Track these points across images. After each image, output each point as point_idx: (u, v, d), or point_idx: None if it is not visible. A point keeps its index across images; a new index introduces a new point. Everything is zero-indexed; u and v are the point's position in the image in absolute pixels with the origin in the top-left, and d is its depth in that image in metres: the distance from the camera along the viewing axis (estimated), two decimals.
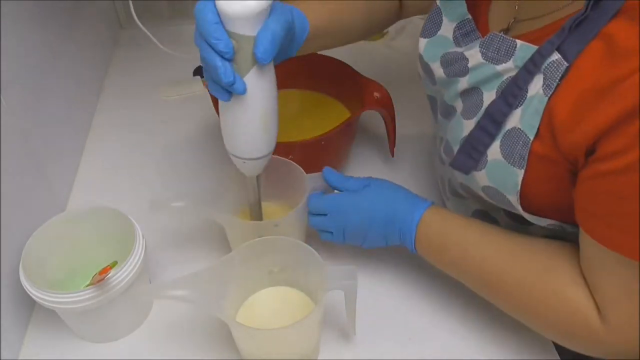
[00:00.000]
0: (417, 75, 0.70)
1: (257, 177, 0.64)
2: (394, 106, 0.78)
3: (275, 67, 0.56)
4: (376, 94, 0.77)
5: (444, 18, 0.63)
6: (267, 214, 0.70)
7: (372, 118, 0.90)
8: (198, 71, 1.04)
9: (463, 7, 0.61)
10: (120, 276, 0.58)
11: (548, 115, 0.50)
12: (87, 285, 0.57)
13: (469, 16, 0.61)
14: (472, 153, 0.57)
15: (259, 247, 0.60)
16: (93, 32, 1.03)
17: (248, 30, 0.51)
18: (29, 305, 0.67)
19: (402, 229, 0.62)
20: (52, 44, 0.82)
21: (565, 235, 0.59)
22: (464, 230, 0.60)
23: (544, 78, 0.50)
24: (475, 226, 0.61)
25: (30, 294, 0.58)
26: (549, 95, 0.49)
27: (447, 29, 0.63)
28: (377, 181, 0.65)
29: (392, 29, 1.16)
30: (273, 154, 0.63)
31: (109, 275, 0.57)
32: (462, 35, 0.61)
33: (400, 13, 0.77)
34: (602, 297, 0.51)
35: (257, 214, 0.67)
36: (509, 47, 0.54)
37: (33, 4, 0.75)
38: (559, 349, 0.64)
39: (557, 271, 0.54)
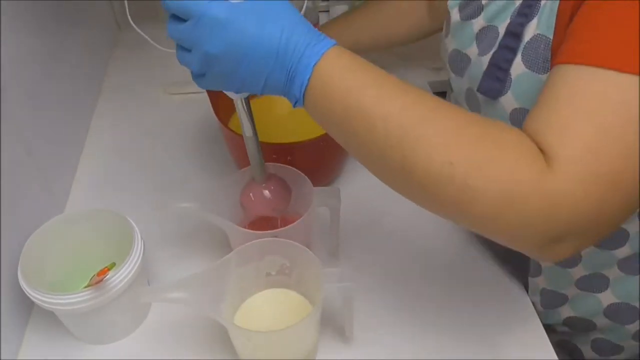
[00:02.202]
0: (416, 74, 0.72)
1: (246, 101, 0.55)
2: None
3: None
4: None
5: None
6: (271, 224, 0.70)
7: None
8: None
9: None
10: (119, 278, 0.58)
11: (562, 7, 0.49)
12: (85, 287, 0.57)
13: None
14: (497, 73, 0.56)
15: (256, 250, 0.60)
16: (91, 33, 1.03)
17: None
18: (28, 307, 0.67)
19: (295, 65, 0.45)
20: (50, 45, 0.82)
21: None
22: (383, 77, 0.46)
23: None
24: (393, 78, 0.46)
25: (29, 295, 0.58)
26: None
27: None
28: None
29: None
30: (276, 161, 0.62)
31: (107, 276, 0.57)
32: None
33: (431, 17, 0.79)
34: (558, 126, 0.41)
35: (255, 157, 0.60)
36: None
37: (32, 4, 0.75)
38: (558, 349, 0.64)
39: (496, 122, 0.44)
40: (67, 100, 0.86)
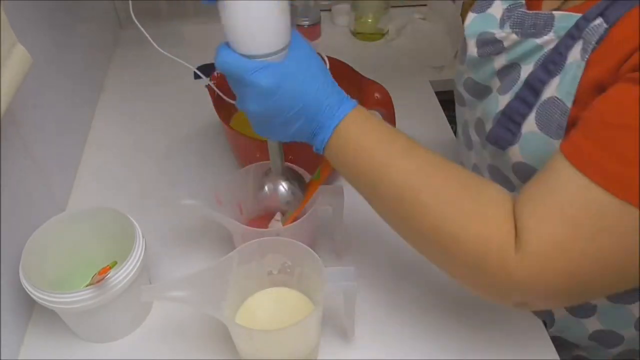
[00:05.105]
0: (418, 74, 0.71)
1: None
2: (394, 106, 0.78)
3: None
4: (376, 95, 0.77)
5: None
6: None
7: None
8: (198, 74, 1.04)
9: None
10: (120, 276, 0.58)
11: (585, 79, 0.49)
12: (86, 286, 0.57)
13: (523, 0, 0.59)
14: (509, 125, 0.55)
15: (258, 248, 0.60)
16: (93, 32, 1.03)
17: None
18: (29, 305, 0.67)
19: (321, 124, 0.52)
20: (52, 44, 0.82)
21: None
22: (393, 139, 0.52)
23: (583, 42, 0.49)
24: (401, 140, 0.52)
25: (30, 294, 0.58)
26: (585, 60, 0.48)
27: (498, 9, 0.61)
28: (296, 54, 0.51)
29: (392, 28, 1.16)
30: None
31: (109, 275, 0.57)
32: (509, 18, 0.59)
33: None
34: (537, 216, 0.45)
35: (275, 151, 0.61)
36: (547, 21, 0.53)
37: (33, 4, 0.75)
38: (558, 348, 0.64)
39: (481, 189, 0.49)
40: (68, 99, 0.86)
